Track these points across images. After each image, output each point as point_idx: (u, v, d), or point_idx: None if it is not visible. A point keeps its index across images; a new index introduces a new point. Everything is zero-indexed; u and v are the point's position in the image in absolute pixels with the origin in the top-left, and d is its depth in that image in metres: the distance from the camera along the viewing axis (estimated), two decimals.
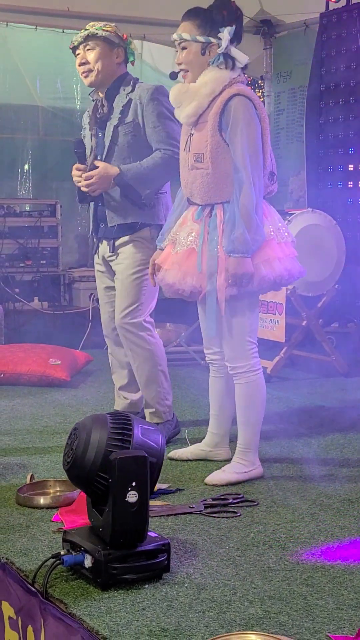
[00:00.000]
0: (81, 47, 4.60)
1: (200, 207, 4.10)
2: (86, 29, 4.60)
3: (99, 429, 3.02)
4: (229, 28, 3.99)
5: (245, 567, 3.08)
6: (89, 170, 4.58)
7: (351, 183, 7.38)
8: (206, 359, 4.36)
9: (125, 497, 2.91)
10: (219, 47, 4.01)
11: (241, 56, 4.06)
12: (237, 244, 3.87)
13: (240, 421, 4.13)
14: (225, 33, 3.99)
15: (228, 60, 4.03)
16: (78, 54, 4.62)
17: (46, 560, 2.95)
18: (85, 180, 4.56)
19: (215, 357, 4.29)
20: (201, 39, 4.03)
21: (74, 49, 4.64)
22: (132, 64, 4.70)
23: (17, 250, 7.85)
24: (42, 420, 5.21)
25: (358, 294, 7.25)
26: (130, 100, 4.57)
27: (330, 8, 7.65)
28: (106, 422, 3.05)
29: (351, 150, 7.41)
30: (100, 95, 4.68)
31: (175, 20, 4.31)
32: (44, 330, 7.47)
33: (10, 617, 2.99)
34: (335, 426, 5.05)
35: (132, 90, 4.59)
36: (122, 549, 2.91)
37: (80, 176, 4.59)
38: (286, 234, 4.09)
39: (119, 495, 2.91)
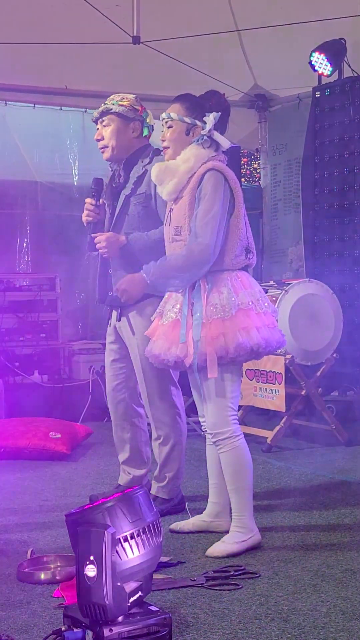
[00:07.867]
0: (99, 122, 4.66)
1: None
2: (105, 104, 4.64)
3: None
4: (214, 113, 4.17)
5: None
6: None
7: (347, 252, 7.45)
8: (202, 427, 4.36)
9: (85, 571, 2.91)
10: (203, 129, 4.17)
11: (224, 141, 4.21)
12: (150, 266, 4.12)
13: (231, 489, 4.14)
14: (211, 117, 4.17)
15: (211, 142, 4.18)
16: (97, 128, 4.68)
17: (47, 637, 2.94)
18: (95, 242, 4.59)
19: None
20: (187, 120, 4.19)
21: (96, 121, 4.70)
22: (147, 139, 4.70)
23: (17, 324, 7.88)
24: (43, 494, 5.19)
25: (357, 362, 7.27)
26: (146, 172, 4.57)
27: (323, 82, 7.79)
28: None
29: (346, 221, 7.50)
30: (119, 166, 4.69)
31: (169, 96, 4.41)
32: (44, 404, 7.46)
33: None
34: (336, 495, 5.03)
35: (150, 162, 4.59)
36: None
37: (92, 210, 4.66)
38: (266, 304, 4.15)
39: (80, 569, 2.93)
